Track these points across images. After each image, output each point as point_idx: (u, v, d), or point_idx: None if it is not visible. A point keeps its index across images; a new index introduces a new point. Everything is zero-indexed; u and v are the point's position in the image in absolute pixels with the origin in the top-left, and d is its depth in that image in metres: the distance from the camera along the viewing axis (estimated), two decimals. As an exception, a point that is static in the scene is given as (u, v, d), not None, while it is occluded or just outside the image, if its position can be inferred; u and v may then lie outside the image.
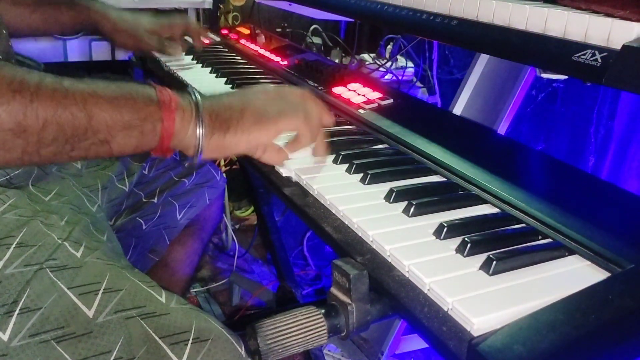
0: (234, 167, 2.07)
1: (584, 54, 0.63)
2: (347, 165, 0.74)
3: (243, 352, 0.64)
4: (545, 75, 0.95)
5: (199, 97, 0.66)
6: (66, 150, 0.58)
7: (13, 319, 0.59)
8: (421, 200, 0.62)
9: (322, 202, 0.66)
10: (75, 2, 1.12)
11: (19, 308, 0.60)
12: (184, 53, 1.29)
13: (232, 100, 0.69)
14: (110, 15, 1.13)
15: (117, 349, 0.60)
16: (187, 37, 1.29)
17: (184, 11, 1.85)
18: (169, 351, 0.61)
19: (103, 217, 0.89)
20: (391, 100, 0.94)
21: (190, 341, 0.62)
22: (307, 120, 0.71)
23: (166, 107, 0.63)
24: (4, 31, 0.83)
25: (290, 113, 0.70)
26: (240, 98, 0.70)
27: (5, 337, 0.58)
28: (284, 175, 0.73)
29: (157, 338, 0.62)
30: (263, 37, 1.41)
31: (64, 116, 0.56)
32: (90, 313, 0.62)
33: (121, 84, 0.62)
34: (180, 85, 1.12)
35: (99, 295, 0.63)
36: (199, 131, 0.64)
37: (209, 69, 1.21)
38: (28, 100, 0.54)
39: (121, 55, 1.81)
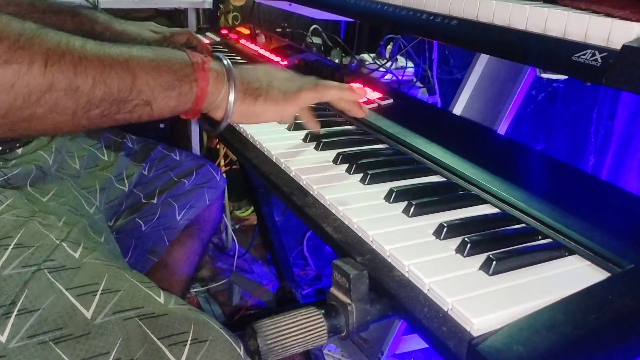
0: (234, 167, 2.07)
1: (584, 54, 0.63)
2: (347, 165, 0.73)
3: (242, 353, 0.64)
4: (545, 75, 0.95)
5: (230, 63, 0.68)
6: (112, 112, 0.59)
7: (11, 320, 0.59)
8: (421, 200, 0.62)
9: (322, 202, 0.66)
10: (81, 13, 1.11)
11: (17, 309, 0.60)
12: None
13: (258, 72, 0.72)
14: (115, 28, 1.13)
15: (115, 349, 0.60)
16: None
17: (184, 11, 1.85)
18: (167, 352, 0.61)
19: (101, 218, 0.89)
20: (391, 100, 0.94)
21: (189, 342, 0.62)
22: (323, 86, 0.75)
23: (200, 69, 0.64)
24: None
25: (308, 87, 0.74)
26: (265, 72, 0.73)
27: (4, 339, 0.58)
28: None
29: (155, 339, 0.62)
30: (263, 37, 1.41)
31: (111, 75, 0.57)
32: (88, 314, 0.61)
33: (155, 48, 0.64)
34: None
35: (97, 296, 0.63)
36: (231, 94, 0.67)
37: (209, 69, 1.20)
38: (77, 60, 0.55)
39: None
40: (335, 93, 0.76)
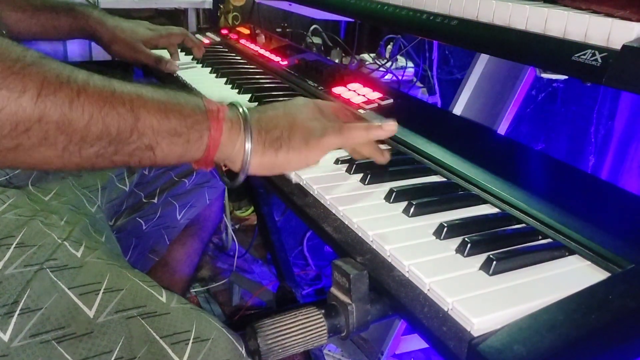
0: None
1: (584, 54, 0.63)
2: (347, 165, 0.74)
3: (244, 352, 0.64)
4: (545, 75, 0.95)
5: (246, 110, 0.64)
6: (109, 153, 0.56)
7: (14, 320, 0.59)
8: (421, 200, 0.62)
9: (322, 202, 0.66)
10: (75, 9, 1.12)
11: (19, 308, 0.60)
12: (183, 53, 1.30)
13: (277, 115, 0.66)
14: (108, 24, 1.13)
15: (118, 348, 0.60)
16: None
17: (184, 11, 1.85)
18: (169, 351, 0.62)
19: (102, 217, 0.89)
20: (391, 100, 0.94)
21: (191, 341, 0.63)
22: (349, 129, 0.68)
23: (214, 117, 0.61)
24: (4, 31, 0.83)
25: (332, 131, 0.67)
26: (285, 113, 0.67)
27: (6, 338, 0.58)
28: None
29: (157, 338, 0.62)
30: (263, 37, 1.41)
31: (110, 114, 0.54)
32: (90, 313, 0.62)
33: (167, 89, 0.61)
34: (180, 86, 1.12)
35: (100, 295, 0.63)
36: (248, 146, 0.62)
37: (209, 69, 1.21)
38: (75, 93, 0.52)
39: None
40: (361, 135, 0.68)
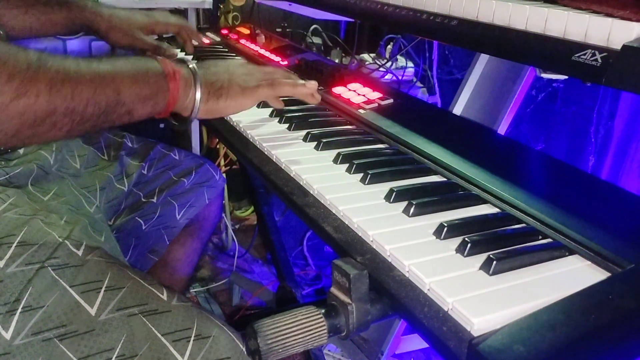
0: (234, 167, 2.07)
1: (584, 54, 0.63)
2: (347, 165, 0.74)
3: (244, 349, 0.64)
4: (545, 75, 0.95)
5: (195, 67, 0.77)
6: (100, 122, 0.66)
7: (15, 318, 0.59)
8: (421, 200, 0.62)
9: (322, 202, 0.66)
10: (68, 2, 1.11)
11: (21, 306, 0.60)
12: (184, 54, 1.29)
13: (219, 70, 0.81)
14: (103, 13, 1.13)
15: (119, 346, 0.61)
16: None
17: (184, 11, 1.85)
18: (171, 348, 0.62)
19: (101, 218, 0.89)
20: (391, 100, 0.94)
21: (193, 338, 0.63)
22: (279, 84, 0.83)
23: (172, 79, 0.73)
24: (2, 32, 0.84)
25: (265, 84, 0.82)
26: (225, 69, 0.82)
27: (8, 336, 0.58)
28: (293, 175, 0.73)
29: (159, 335, 0.62)
30: (263, 37, 1.41)
31: (101, 95, 0.65)
32: (92, 311, 0.62)
33: (132, 59, 0.72)
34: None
35: (101, 293, 0.63)
36: (197, 96, 0.75)
37: (209, 68, 1.20)
38: (75, 84, 0.62)
39: (121, 54, 1.80)
40: (288, 90, 0.84)
